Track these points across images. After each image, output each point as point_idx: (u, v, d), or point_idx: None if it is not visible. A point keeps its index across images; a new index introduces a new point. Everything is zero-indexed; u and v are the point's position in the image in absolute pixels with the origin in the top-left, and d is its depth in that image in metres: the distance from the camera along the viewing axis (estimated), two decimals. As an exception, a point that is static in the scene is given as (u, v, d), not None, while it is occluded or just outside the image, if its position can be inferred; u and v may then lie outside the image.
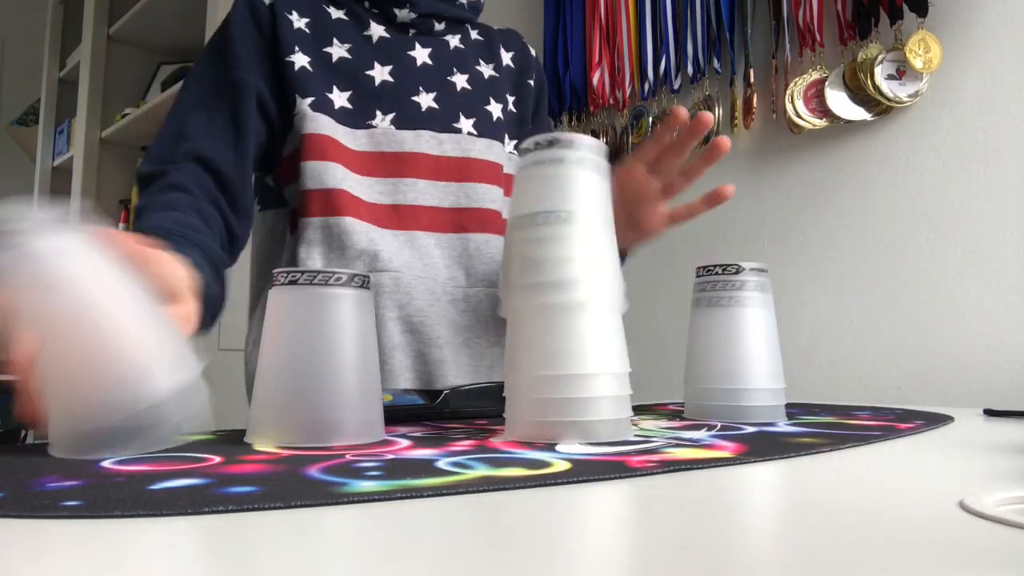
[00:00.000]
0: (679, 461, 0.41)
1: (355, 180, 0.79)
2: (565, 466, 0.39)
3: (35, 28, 3.05)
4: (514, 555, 0.25)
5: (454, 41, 0.91)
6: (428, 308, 0.79)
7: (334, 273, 0.48)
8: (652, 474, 0.38)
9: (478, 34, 0.94)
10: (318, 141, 0.78)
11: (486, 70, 0.92)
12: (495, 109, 0.91)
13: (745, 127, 1.33)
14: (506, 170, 0.90)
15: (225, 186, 0.74)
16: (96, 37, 2.39)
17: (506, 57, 0.95)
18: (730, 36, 1.35)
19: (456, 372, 0.79)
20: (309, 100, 0.79)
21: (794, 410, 0.77)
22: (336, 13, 0.84)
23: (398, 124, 0.83)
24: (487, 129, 0.89)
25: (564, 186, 0.50)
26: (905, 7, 1.11)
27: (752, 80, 1.32)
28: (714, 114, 1.37)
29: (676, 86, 1.44)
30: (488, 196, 0.86)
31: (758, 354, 0.63)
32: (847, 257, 1.20)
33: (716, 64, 1.38)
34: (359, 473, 0.36)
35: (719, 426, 0.58)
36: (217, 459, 0.41)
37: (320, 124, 0.78)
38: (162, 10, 2.21)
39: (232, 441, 0.49)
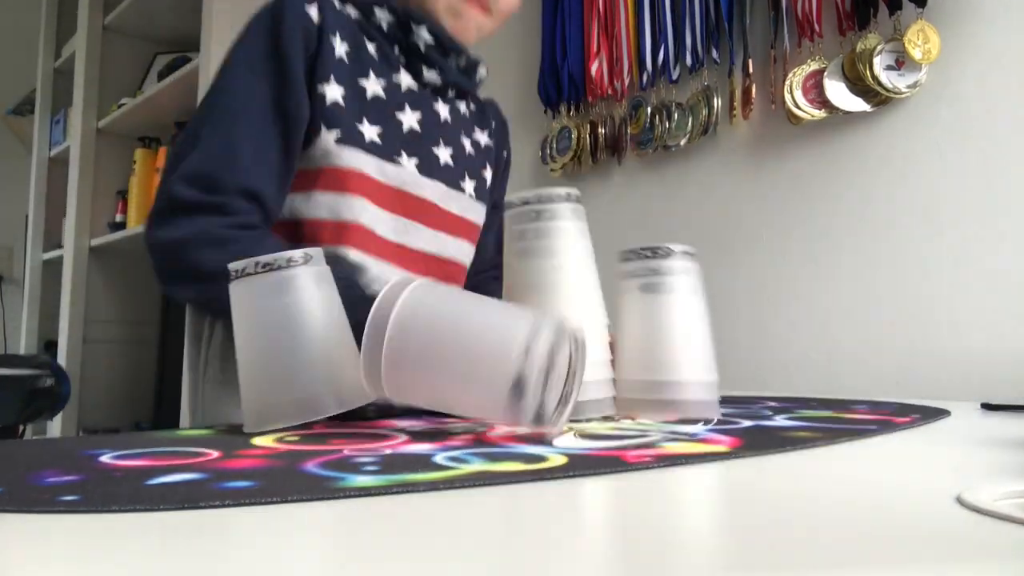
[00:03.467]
0: (675, 455, 0.41)
1: (373, 213, 0.79)
2: (561, 460, 0.39)
3: (30, 17, 3.03)
4: (511, 549, 0.25)
5: (462, 107, 0.94)
6: None
7: (288, 257, 0.51)
8: (648, 468, 0.38)
9: (472, 102, 0.97)
10: (341, 175, 0.77)
11: (482, 138, 0.96)
12: (487, 175, 0.96)
13: (744, 118, 1.33)
14: (480, 230, 0.96)
15: (268, 222, 0.75)
16: (91, 27, 2.37)
17: (492, 126, 0.99)
18: (729, 26, 1.35)
19: None
20: (335, 134, 0.77)
21: (790, 404, 0.77)
22: (370, 46, 0.83)
23: (420, 170, 0.84)
24: (482, 194, 0.94)
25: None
26: (904, -3, 1.11)
27: (751, 71, 1.32)
28: (713, 105, 1.37)
29: (675, 76, 1.43)
30: (468, 253, 0.92)
31: (684, 343, 0.59)
32: (845, 248, 1.20)
33: (715, 54, 1.37)
34: (356, 468, 0.36)
35: (715, 420, 0.59)
36: (215, 454, 0.41)
37: (344, 158, 0.77)
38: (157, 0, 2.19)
39: (229, 436, 0.49)
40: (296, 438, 0.47)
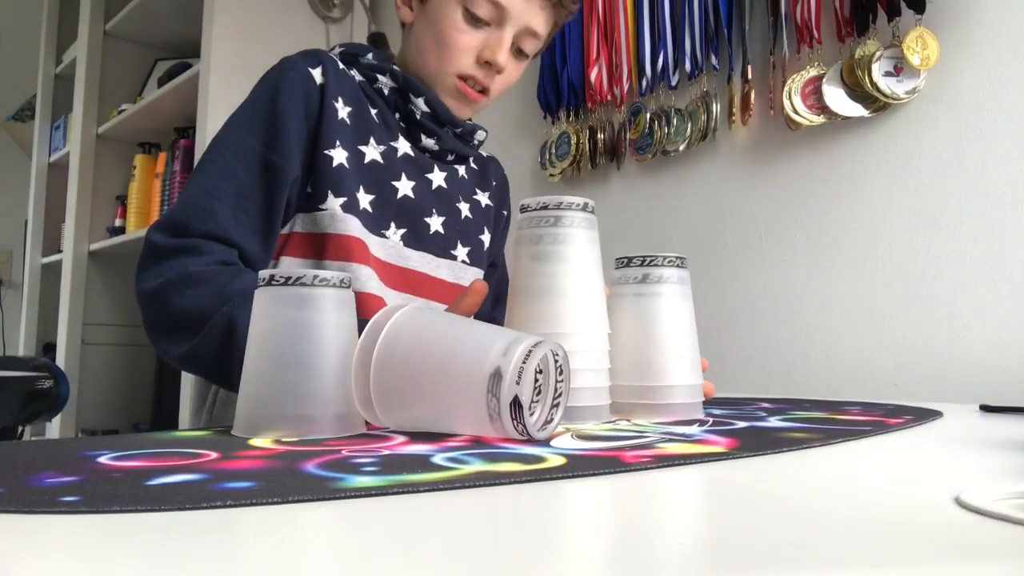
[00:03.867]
0: (672, 456, 0.41)
1: (377, 284, 0.79)
2: (560, 461, 0.39)
3: (31, 23, 3.04)
4: (510, 550, 0.25)
5: (461, 170, 0.93)
6: None
7: (316, 275, 0.50)
8: (646, 469, 0.38)
9: (474, 162, 0.97)
10: (346, 243, 0.77)
11: (483, 198, 0.96)
12: (486, 239, 0.95)
13: (743, 123, 1.33)
14: None
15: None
16: (92, 33, 2.38)
17: (493, 185, 0.99)
18: (728, 33, 1.35)
19: None
20: (341, 200, 0.77)
21: (784, 405, 0.77)
22: (372, 111, 0.84)
23: (406, 241, 0.85)
24: (477, 258, 0.93)
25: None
26: (903, 4, 1.11)
27: (750, 77, 1.32)
28: (711, 110, 1.37)
29: (674, 82, 1.44)
30: None
31: (672, 349, 0.61)
32: (844, 253, 1.21)
33: (714, 60, 1.38)
34: (355, 469, 0.36)
35: (711, 421, 0.59)
36: (213, 455, 0.41)
37: (349, 225, 0.78)
38: (158, 6, 2.20)
39: (227, 437, 0.49)
40: (294, 439, 0.47)
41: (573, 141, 1.59)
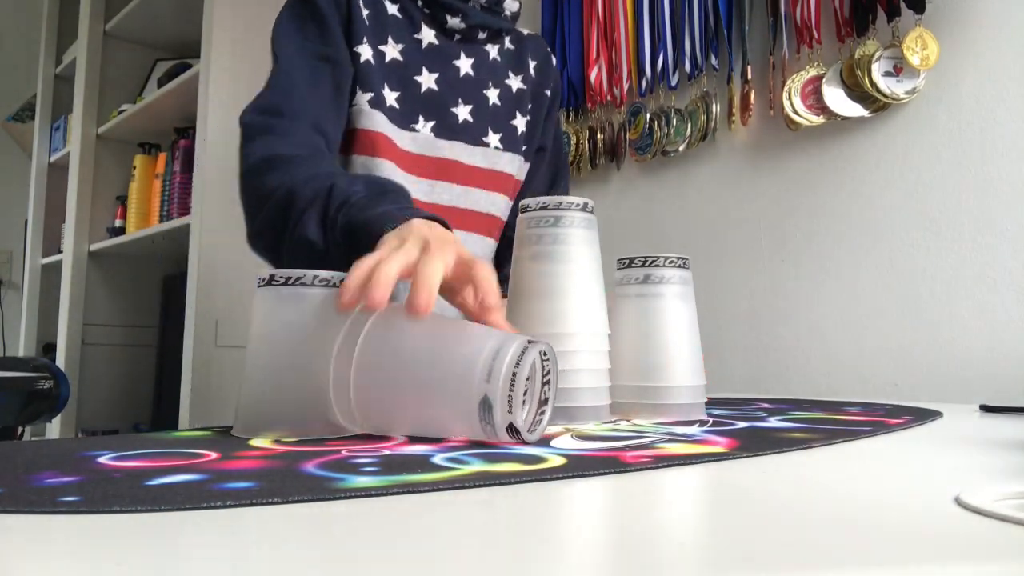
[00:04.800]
0: (673, 456, 0.41)
1: (402, 177, 0.82)
2: (560, 461, 0.39)
3: (31, 23, 3.04)
4: (510, 550, 0.25)
5: (492, 52, 0.93)
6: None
7: (317, 275, 0.50)
8: (646, 469, 0.38)
9: (510, 41, 0.96)
10: (372, 137, 0.81)
11: (515, 83, 0.95)
12: (520, 123, 0.95)
13: (742, 124, 1.33)
14: (516, 177, 0.95)
15: (329, 150, 0.78)
16: (92, 33, 2.37)
17: (531, 66, 0.97)
18: (728, 33, 1.35)
19: None
20: (368, 96, 0.81)
21: (784, 405, 0.77)
22: (391, 8, 0.86)
23: (437, 132, 0.86)
24: (511, 144, 0.93)
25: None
26: (903, 4, 1.11)
27: (749, 77, 1.32)
28: (711, 111, 1.38)
29: (674, 83, 1.44)
30: (502, 205, 0.93)
31: (675, 350, 0.61)
32: (844, 253, 1.21)
33: (714, 61, 1.38)
34: (356, 469, 0.36)
35: (711, 422, 0.59)
36: (213, 455, 0.41)
37: (375, 121, 0.81)
38: (159, 6, 2.20)
39: (228, 437, 0.49)
40: (294, 439, 0.47)
41: (573, 141, 1.59)
